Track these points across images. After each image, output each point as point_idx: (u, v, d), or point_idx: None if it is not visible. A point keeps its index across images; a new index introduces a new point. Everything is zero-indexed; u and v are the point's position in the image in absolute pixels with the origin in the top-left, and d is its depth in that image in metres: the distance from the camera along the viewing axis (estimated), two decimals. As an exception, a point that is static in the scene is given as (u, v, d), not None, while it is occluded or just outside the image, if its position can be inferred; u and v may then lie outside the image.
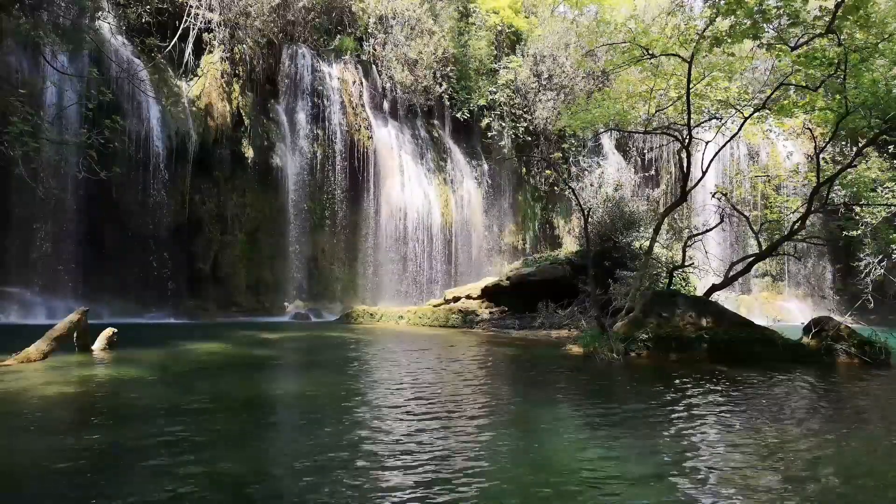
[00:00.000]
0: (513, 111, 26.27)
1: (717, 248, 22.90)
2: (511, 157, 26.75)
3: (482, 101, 25.92)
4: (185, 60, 19.66)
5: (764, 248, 13.13)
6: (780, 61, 12.38)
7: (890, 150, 19.95)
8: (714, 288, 12.25)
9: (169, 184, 18.30)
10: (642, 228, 17.26)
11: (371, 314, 18.45)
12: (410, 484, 3.59)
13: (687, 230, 22.22)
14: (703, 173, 13.07)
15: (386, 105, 24.68)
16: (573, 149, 26.40)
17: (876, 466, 4.26)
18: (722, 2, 10.17)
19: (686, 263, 13.31)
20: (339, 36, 23.82)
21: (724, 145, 14.42)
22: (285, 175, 21.37)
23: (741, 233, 25.36)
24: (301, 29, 22.71)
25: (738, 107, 13.05)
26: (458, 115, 25.68)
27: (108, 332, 9.47)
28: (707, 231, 14.48)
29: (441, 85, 25.00)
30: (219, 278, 19.96)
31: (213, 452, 4.21)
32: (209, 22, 19.87)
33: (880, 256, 20.46)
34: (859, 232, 18.78)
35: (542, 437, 4.84)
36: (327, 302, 21.77)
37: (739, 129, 13.25)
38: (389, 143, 23.96)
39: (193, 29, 19.57)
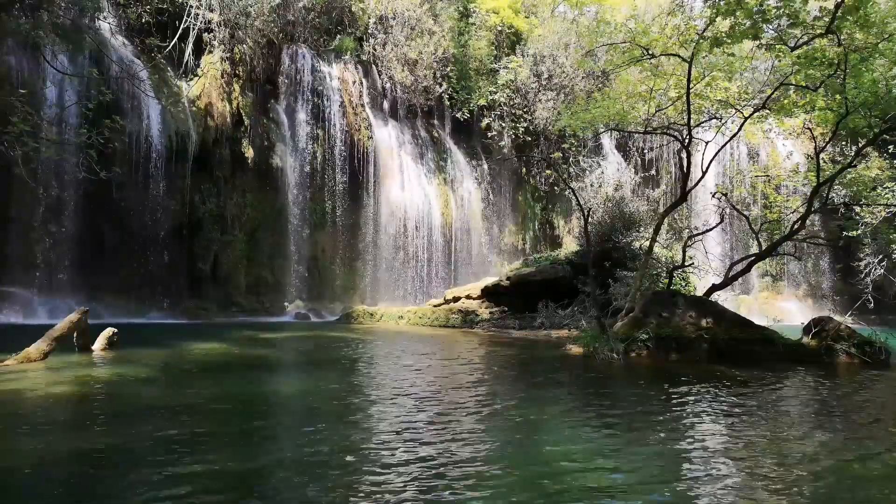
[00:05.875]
0: (513, 111, 26.27)
1: (717, 248, 22.91)
2: (511, 157, 26.74)
3: (482, 101, 25.92)
4: (185, 60, 19.67)
5: (764, 248, 13.13)
6: (780, 61, 12.39)
7: (890, 150, 19.96)
8: (714, 288, 12.24)
9: (169, 184, 18.30)
10: (642, 228, 17.25)
11: (371, 314, 18.45)
12: (410, 484, 3.59)
13: (687, 230, 22.21)
14: (703, 173, 13.06)
15: (386, 105, 24.69)
16: (573, 149, 26.40)
17: (876, 466, 4.26)
18: (722, 2, 10.16)
19: (686, 263, 13.30)
20: (339, 36, 23.83)
21: (724, 145, 14.42)
22: (285, 175, 21.38)
23: (741, 233, 25.39)
24: (301, 29, 22.71)
25: (738, 107, 13.05)
26: (458, 115, 25.69)
27: (108, 332, 9.47)
28: (707, 231, 14.48)
29: (441, 85, 25.00)
30: (219, 278, 19.95)
31: (213, 452, 4.21)
32: (209, 22, 19.88)
33: (880, 256, 20.47)
34: (859, 232, 18.78)
35: (541, 437, 4.84)
36: (327, 302, 21.78)
37: (739, 129, 13.25)
38: (389, 143, 23.96)
39: (193, 29, 19.57)
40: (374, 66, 24.33)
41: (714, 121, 13.78)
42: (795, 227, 12.54)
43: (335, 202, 22.33)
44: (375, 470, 3.87)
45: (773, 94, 12.23)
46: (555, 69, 26.20)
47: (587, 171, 23.25)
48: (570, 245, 23.96)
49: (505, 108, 26.16)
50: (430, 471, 3.83)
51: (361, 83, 23.73)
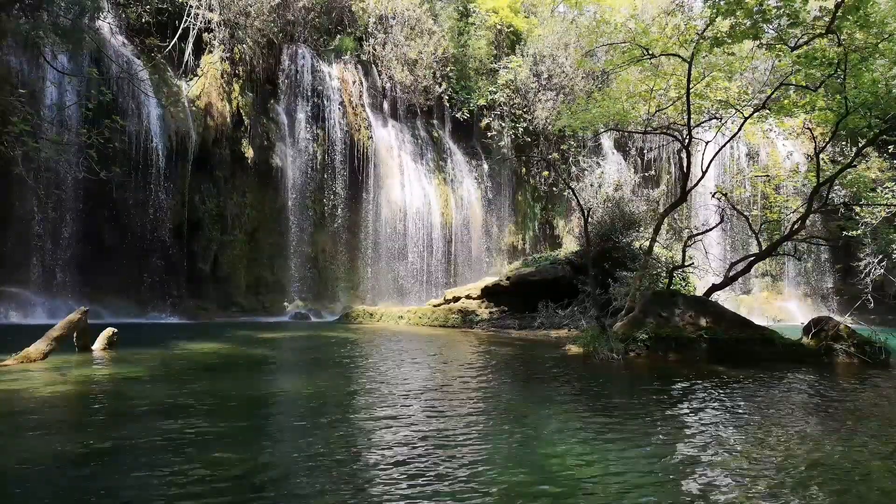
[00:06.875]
0: (513, 111, 26.28)
1: (717, 248, 22.91)
2: (511, 157, 26.75)
3: (482, 101, 25.94)
4: (185, 60, 19.67)
5: (764, 248, 13.13)
6: (780, 61, 12.39)
7: (890, 150, 19.95)
8: (714, 288, 12.24)
9: (169, 184, 18.31)
10: (642, 228, 17.24)
11: (371, 314, 18.45)
12: (408, 485, 3.59)
13: (687, 230, 22.23)
14: (703, 173, 13.06)
15: (386, 105, 24.69)
16: (573, 149, 26.40)
17: (874, 466, 4.26)
18: (722, 2, 10.17)
19: (686, 263, 13.30)
20: (339, 36, 23.84)
21: (724, 145, 14.42)
22: (285, 175, 21.38)
23: (741, 233, 25.37)
24: (301, 29, 22.72)
25: (738, 107, 13.05)
26: (458, 115, 25.70)
27: (108, 332, 9.48)
28: (707, 231, 14.47)
29: (441, 85, 25.01)
30: (219, 278, 19.96)
31: (213, 452, 4.21)
32: (209, 22, 19.88)
33: (880, 256, 20.46)
34: (859, 232, 18.77)
35: (540, 437, 4.84)
36: (327, 302, 21.79)
37: (739, 129, 13.24)
38: (389, 142, 23.97)
39: (193, 29, 19.58)
40: (374, 66, 24.34)
41: (714, 121, 13.77)
42: (795, 227, 12.54)
43: (335, 202, 22.33)
44: (374, 471, 3.88)
45: (773, 94, 12.22)
46: (554, 69, 26.20)
47: (587, 172, 23.25)
48: (570, 245, 23.96)
49: (505, 108, 26.17)
50: (428, 471, 3.84)
51: (361, 83, 23.73)
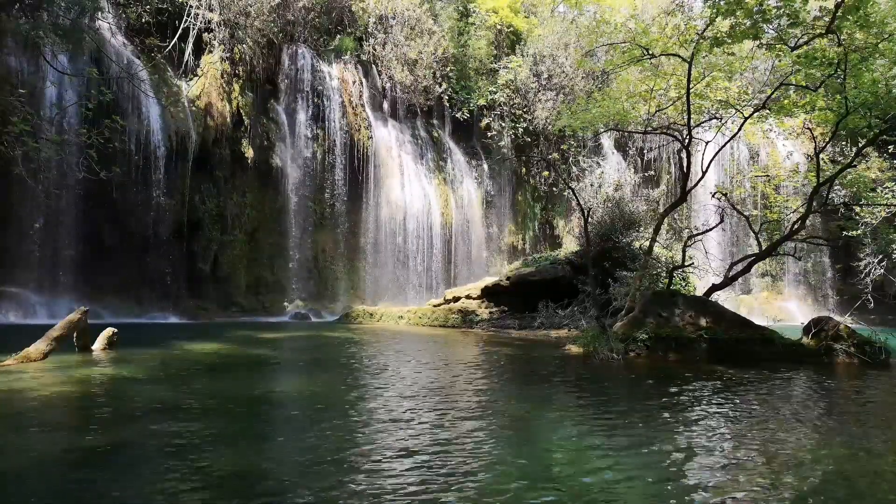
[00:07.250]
0: (512, 111, 26.29)
1: (717, 248, 22.91)
2: (511, 157, 26.75)
3: (482, 101, 25.95)
4: (184, 60, 19.68)
5: (764, 248, 13.13)
6: (780, 61, 12.39)
7: (890, 150, 19.96)
8: (714, 288, 12.24)
9: (169, 184, 18.30)
10: (642, 228, 17.24)
11: (371, 314, 18.45)
12: (407, 486, 3.59)
13: (687, 230, 22.23)
14: (703, 173, 13.06)
15: (386, 105, 24.70)
16: (573, 149, 26.41)
17: (875, 467, 4.26)
18: (722, 2, 10.17)
19: (686, 263, 13.30)
20: (339, 36, 23.84)
21: (724, 145, 14.42)
22: (285, 175, 21.39)
23: (741, 233, 25.39)
24: (301, 29, 22.73)
25: (738, 107, 13.04)
26: (458, 115, 25.71)
27: (108, 332, 9.47)
28: (707, 231, 14.46)
29: (441, 85, 25.02)
30: (219, 278, 19.96)
31: (212, 452, 4.21)
32: (209, 22, 19.88)
33: (880, 256, 20.46)
34: (859, 232, 18.77)
35: (539, 438, 4.84)
36: (327, 302, 21.79)
37: (739, 129, 13.24)
38: (389, 142, 23.98)
39: (193, 29, 19.58)
40: (373, 65, 24.35)
41: (714, 121, 13.77)
42: (795, 227, 12.54)
43: (335, 202, 22.35)
44: (375, 472, 3.88)
45: (773, 94, 12.22)
46: (554, 69, 26.21)
47: (587, 172, 23.25)
48: (570, 245, 23.97)
49: (505, 108, 26.18)
50: (427, 471, 3.84)
51: (361, 83, 23.74)
